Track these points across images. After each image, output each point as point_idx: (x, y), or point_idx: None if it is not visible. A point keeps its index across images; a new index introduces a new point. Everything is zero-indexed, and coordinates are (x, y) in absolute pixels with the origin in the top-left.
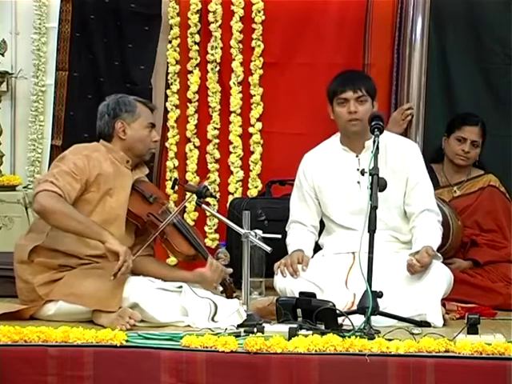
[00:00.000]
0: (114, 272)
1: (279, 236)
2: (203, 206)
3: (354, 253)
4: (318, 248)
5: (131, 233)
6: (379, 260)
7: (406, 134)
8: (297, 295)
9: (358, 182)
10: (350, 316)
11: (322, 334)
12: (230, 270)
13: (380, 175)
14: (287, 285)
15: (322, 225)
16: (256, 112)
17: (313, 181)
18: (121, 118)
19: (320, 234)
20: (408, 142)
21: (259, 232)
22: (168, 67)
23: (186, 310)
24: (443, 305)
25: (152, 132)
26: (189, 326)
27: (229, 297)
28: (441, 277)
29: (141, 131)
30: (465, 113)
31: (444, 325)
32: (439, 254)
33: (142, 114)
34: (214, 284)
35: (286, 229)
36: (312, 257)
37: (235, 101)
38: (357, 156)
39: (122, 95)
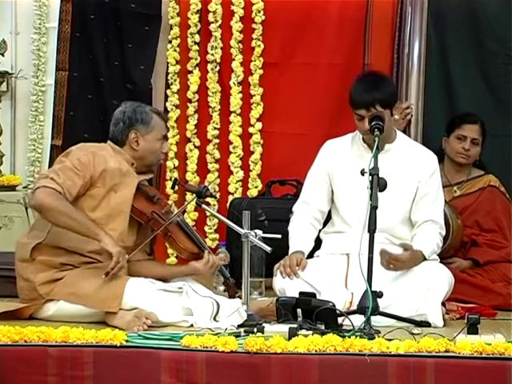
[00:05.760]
0: (106, 271)
1: (279, 236)
2: (203, 206)
3: (348, 254)
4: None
5: (134, 231)
6: (377, 261)
7: (405, 133)
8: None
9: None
10: (349, 316)
11: (322, 334)
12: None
13: (391, 178)
14: (286, 286)
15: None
16: (256, 112)
17: (329, 167)
18: (135, 128)
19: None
20: (426, 152)
21: (259, 232)
22: (168, 67)
23: (190, 310)
24: (443, 305)
25: (163, 143)
26: (192, 325)
27: (231, 296)
28: (442, 279)
29: (153, 143)
30: (464, 112)
31: (444, 325)
32: (435, 257)
33: (156, 127)
34: (207, 276)
35: (293, 208)
36: (311, 256)
37: (235, 101)
38: None
39: (140, 104)
